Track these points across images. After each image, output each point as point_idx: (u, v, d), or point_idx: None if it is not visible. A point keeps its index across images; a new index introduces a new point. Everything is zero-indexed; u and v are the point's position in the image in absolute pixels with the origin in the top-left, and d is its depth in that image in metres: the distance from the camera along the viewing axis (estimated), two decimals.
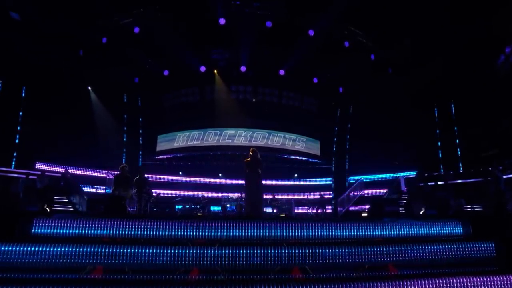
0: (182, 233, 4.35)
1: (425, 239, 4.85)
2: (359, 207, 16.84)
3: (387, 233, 4.88)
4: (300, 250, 4.17)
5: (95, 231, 4.37)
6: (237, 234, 4.41)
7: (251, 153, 8.02)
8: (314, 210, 17.16)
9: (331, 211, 17.62)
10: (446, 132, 17.34)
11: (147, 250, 4.00)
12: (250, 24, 14.95)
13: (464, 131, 16.63)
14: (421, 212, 7.97)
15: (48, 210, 7.09)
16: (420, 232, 5.03)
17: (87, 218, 4.50)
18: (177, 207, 16.50)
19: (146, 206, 11.02)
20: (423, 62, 14.83)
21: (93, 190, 14.73)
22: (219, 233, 4.42)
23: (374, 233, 4.83)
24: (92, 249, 3.95)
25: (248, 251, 4.04)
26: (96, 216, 4.61)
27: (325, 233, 4.63)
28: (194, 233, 4.37)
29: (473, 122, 15.60)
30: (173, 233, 4.35)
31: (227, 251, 4.02)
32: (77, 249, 3.93)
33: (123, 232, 4.36)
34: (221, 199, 17.10)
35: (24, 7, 13.25)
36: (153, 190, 16.65)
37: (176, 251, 3.99)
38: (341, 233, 4.70)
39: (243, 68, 17.48)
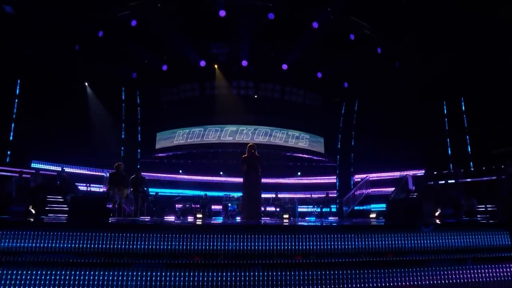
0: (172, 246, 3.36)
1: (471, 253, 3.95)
2: (364, 207, 16.29)
3: (421, 244, 3.91)
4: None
5: (59, 244, 3.29)
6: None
7: (248, 149, 7.51)
8: (319, 210, 16.63)
9: (335, 210, 17.09)
10: (455, 129, 16.70)
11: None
12: (251, 16, 14.39)
13: (474, 128, 15.98)
14: (436, 214, 7.32)
15: (34, 212, 6.56)
16: (462, 243, 4.05)
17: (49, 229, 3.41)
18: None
19: (143, 206, 10.55)
20: (432, 56, 14.18)
21: (90, 189, 14.18)
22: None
23: (408, 244, 3.84)
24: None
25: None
26: (60, 228, 3.45)
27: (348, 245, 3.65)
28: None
29: (484, 119, 14.95)
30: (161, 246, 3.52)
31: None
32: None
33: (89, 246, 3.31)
34: (222, 198, 16.64)
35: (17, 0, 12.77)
36: (152, 189, 16.36)
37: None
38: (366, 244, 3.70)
39: (244, 63, 16.91)
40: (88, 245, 3.10)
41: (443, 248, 3.98)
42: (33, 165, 14.61)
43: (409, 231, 3.94)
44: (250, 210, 7.15)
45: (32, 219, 6.47)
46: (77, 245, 3.11)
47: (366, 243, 3.67)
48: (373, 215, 10.09)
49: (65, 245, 3.09)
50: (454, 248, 4.00)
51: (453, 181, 13.22)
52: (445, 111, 17.43)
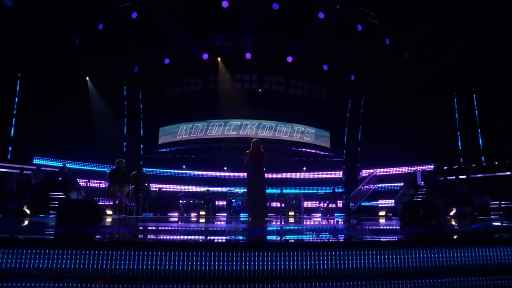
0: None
1: None
2: (372, 203, 15.93)
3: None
4: None
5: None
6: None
7: (253, 145, 7.17)
8: (325, 205, 16.33)
9: (342, 206, 16.76)
10: (466, 123, 16.15)
11: None
12: (255, 7, 13.92)
13: (486, 121, 15.43)
14: (451, 213, 6.80)
15: (28, 212, 6.29)
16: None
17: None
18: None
19: (145, 203, 10.31)
20: (445, 46, 13.62)
21: (89, 185, 13.93)
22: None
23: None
24: None
25: None
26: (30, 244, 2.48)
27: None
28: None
29: (496, 112, 14.39)
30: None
31: None
32: None
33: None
34: (226, 193, 16.40)
35: None
36: (155, 185, 16.16)
37: None
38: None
39: (248, 55, 16.48)
40: (72, 265, 2.43)
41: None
42: (35, 161, 14.43)
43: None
44: (256, 208, 6.83)
45: (25, 220, 6.16)
46: (55, 265, 2.31)
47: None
48: (382, 213, 9.69)
49: (38, 266, 2.41)
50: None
51: (464, 176, 12.72)
52: (456, 105, 16.87)
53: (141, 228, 5.04)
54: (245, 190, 14.76)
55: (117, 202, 8.89)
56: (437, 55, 14.09)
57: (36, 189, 11.40)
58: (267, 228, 5.02)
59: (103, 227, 4.22)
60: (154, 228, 5.19)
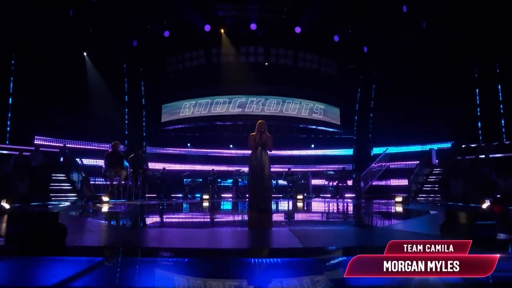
0: None
1: None
2: (383, 182, 15.29)
3: None
4: None
5: None
6: None
7: (258, 127, 6.48)
8: (334, 183, 15.76)
9: (351, 185, 16.16)
10: (487, 97, 15.07)
11: None
12: None
13: (509, 96, 14.35)
14: (484, 206, 5.80)
15: (7, 206, 5.76)
16: None
17: None
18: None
19: (145, 187, 9.83)
20: (472, 11, 12.37)
21: (82, 163, 13.51)
22: None
23: None
24: None
25: None
26: None
27: None
28: None
29: None
30: None
31: None
32: None
33: None
34: (232, 173, 15.93)
35: None
36: (159, 164, 15.76)
37: None
38: None
39: (253, 26, 15.41)
40: None
41: None
42: (36, 142, 14.00)
43: None
44: (257, 201, 6.22)
45: None
46: None
47: None
48: (399, 199, 9.03)
49: None
50: None
51: (483, 156, 11.90)
52: (476, 78, 15.70)
53: None
54: None
55: (115, 189, 8.40)
56: (460, 22, 12.84)
57: (36, 171, 11.01)
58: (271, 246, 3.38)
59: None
60: None
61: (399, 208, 8.12)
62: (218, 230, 4.76)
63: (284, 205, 9.95)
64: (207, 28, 15.51)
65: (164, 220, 6.21)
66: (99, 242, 3.60)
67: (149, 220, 6.07)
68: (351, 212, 7.86)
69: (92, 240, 3.59)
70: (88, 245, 3.21)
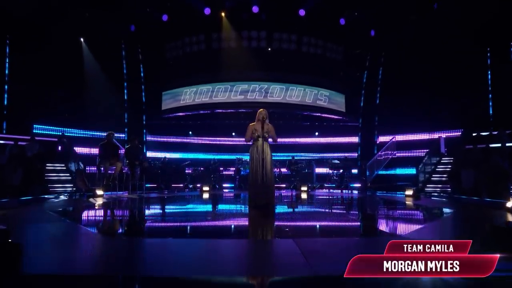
0: None
1: None
2: (390, 171, 14.88)
3: None
4: None
5: None
6: None
7: (258, 116, 6.01)
8: (339, 172, 15.36)
9: (357, 174, 15.77)
10: (500, 83, 14.43)
11: None
12: None
13: None
14: (509, 205, 5.28)
15: None
16: None
17: None
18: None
19: (142, 179, 9.49)
20: None
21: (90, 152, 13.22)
22: None
23: None
24: None
25: None
26: None
27: None
28: None
29: None
30: None
31: None
32: None
33: None
34: (234, 161, 15.60)
35: None
36: (160, 154, 15.45)
37: None
38: None
39: (255, 9, 14.77)
40: None
41: None
42: (35, 131, 13.70)
43: None
44: (257, 197, 5.78)
45: None
46: None
47: None
48: (409, 192, 8.58)
49: None
50: None
51: (497, 145, 11.39)
52: (489, 62, 15.03)
53: None
54: None
55: (110, 182, 8.06)
56: (474, 1, 12.13)
57: (31, 162, 10.71)
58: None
59: None
60: None
61: (414, 205, 7.61)
62: (207, 243, 3.55)
63: (287, 200, 9.22)
64: (207, 11, 14.90)
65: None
66: (81, 267, 2.43)
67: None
68: (362, 213, 7.19)
69: (71, 264, 2.45)
70: (61, 273, 2.13)
